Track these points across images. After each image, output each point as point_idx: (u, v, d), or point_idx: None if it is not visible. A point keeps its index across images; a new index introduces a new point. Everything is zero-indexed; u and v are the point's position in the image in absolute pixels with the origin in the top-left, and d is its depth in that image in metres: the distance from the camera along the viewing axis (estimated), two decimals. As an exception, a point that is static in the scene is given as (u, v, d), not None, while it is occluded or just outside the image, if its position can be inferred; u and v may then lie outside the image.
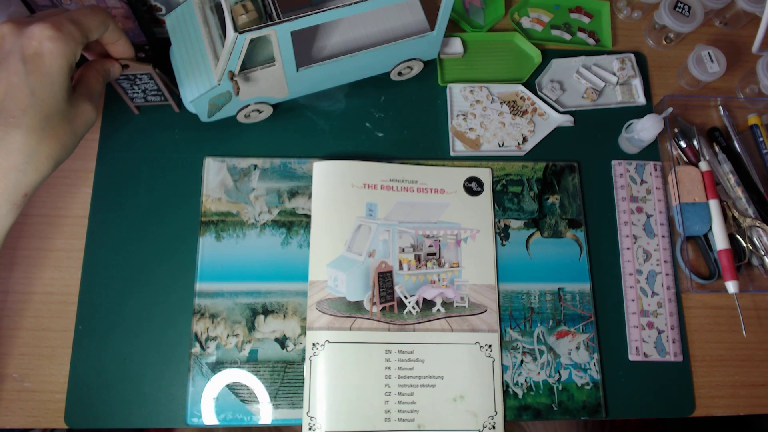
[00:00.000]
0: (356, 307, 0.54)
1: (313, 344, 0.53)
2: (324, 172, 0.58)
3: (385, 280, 0.55)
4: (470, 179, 0.60)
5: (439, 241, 0.57)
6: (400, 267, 0.56)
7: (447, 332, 0.55)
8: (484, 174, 0.60)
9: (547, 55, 0.66)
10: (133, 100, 0.58)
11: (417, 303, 0.56)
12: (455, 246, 0.57)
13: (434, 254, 0.57)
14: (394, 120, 0.63)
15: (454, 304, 0.56)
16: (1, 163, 0.41)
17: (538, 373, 0.55)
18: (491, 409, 0.53)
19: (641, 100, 0.65)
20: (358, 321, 0.54)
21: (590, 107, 0.65)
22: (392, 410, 0.52)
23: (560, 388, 0.55)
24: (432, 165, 0.60)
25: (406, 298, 0.56)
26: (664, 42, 0.68)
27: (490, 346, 0.55)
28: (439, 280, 0.56)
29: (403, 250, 0.57)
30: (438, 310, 0.56)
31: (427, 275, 0.56)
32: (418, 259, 0.57)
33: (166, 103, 0.59)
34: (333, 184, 0.57)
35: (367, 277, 0.55)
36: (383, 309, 0.55)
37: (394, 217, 0.57)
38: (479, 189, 0.59)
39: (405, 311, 0.55)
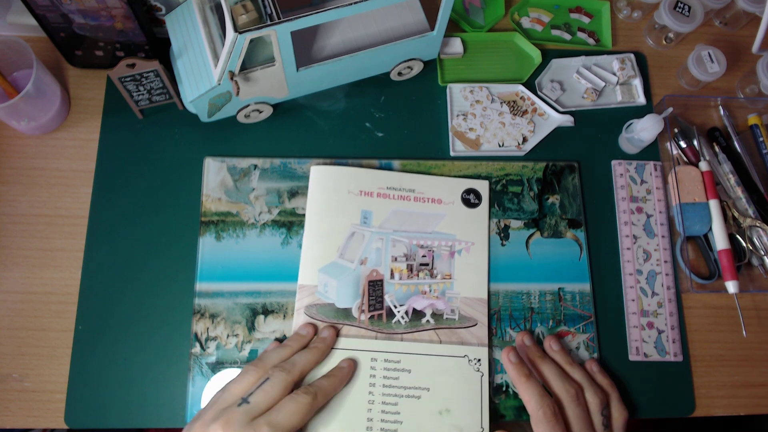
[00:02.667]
0: (344, 314, 0.54)
1: None
2: (321, 177, 0.58)
3: (375, 288, 0.55)
4: (468, 191, 0.59)
5: (433, 251, 0.57)
6: (392, 276, 0.55)
7: (435, 344, 0.54)
8: (483, 186, 0.59)
9: (547, 55, 0.66)
10: (138, 103, 0.58)
11: (406, 313, 0.55)
12: (449, 257, 0.57)
13: (427, 265, 0.56)
14: (394, 120, 0.63)
15: (444, 316, 0.55)
16: None
17: (538, 373, 0.55)
18: (477, 425, 0.52)
19: (641, 100, 0.65)
20: (346, 328, 0.53)
21: (590, 107, 0.65)
22: (375, 419, 0.51)
23: (560, 388, 0.55)
24: (430, 174, 0.59)
25: (395, 307, 0.55)
26: (664, 42, 0.68)
27: (479, 360, 0.54)
28: (430, 290, 0.56)
29: (396, 259, 0.56)
30: (427, 321, 0.55)
31: (419, 285, 0.56)
32: (410, 268, 0.56)
33: (171, 101, 0.59)
34: (329, 188, 0.57)
35: (357, 285, 0.55)
36: (371, 317, 0.54)
37: (388, 226, 0.57)
38: (477, 201, 0.58)
39: (394, 320, 0.54)
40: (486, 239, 0.58)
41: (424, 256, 0.56)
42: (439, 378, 0.53)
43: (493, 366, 0.55)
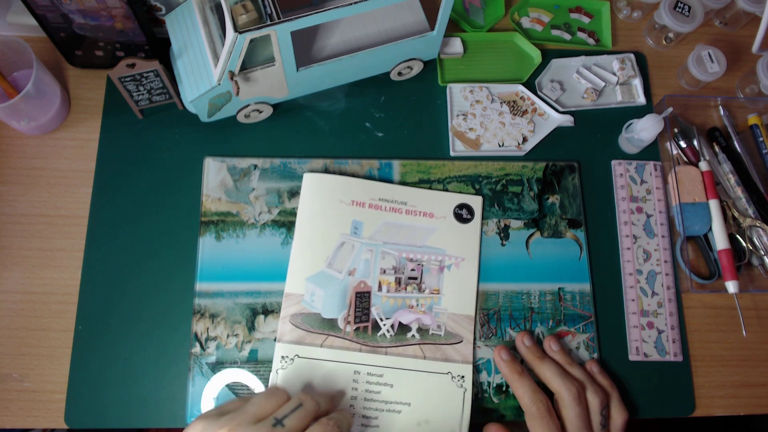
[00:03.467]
0: (329, 325, 0.53)
1: (282, 357, 0.52)
2: (314, 185, 0.57)
3: (362, 300, 0.54)
4: (461, 206, 0.58)
5: (422, 265, 0.56)
6: (379, 288, 0.55)
7: (419, 359, 0.53)
8: (476, 202, 0.59)
9: (547, 55, 0.66)
10: (138, 103, 0.58)
11: (392, 326, 0.54)
12: (438, 272, 0.56)
13: (415, 278, 0.56)
14: (394, 120, 0.63)
15: (430, 332, 0.54)
16: None
17: (538, 373, 0.55)
18: None
19: (641, 100, 0.65)
20: (330, 339, 0.53)
21: (590, 107, 0.65)
22: None
23: (560, 388, 0.55)
24: (423, 188, 0.59)
25: (381, 320, 0.54)
26: (664, 42, 0.68)
27: (462, 377, 0.53)
28: (417, 305, 0.55)
29: (384, 272, 0.55)
30: (413, 335, 0.54)
31: (406, 299, 0.55)
32: (398, 281, 0.55)
33: (171, 101, 0.59)
34: (321, 197, 0.57)
35: (344, 296, 0.54)
36: (357, 329, 0.54)
37: (379, 237, 0.56)
38: (469, 216, 0.58)
39: (379, 333, 0.54)
40: (476, 255, 0.57)
41: (413, 269, 0.56)
42: (421, 394, 0.52)
43: (493, 368, 0.55)
